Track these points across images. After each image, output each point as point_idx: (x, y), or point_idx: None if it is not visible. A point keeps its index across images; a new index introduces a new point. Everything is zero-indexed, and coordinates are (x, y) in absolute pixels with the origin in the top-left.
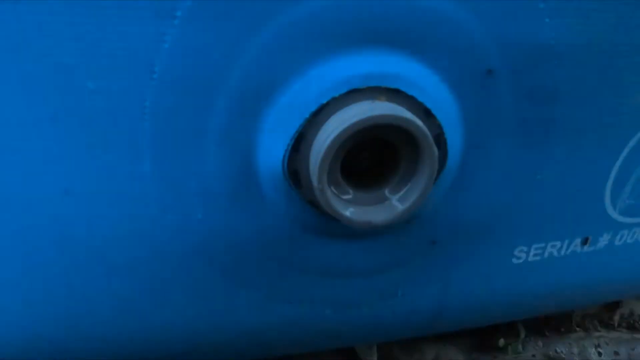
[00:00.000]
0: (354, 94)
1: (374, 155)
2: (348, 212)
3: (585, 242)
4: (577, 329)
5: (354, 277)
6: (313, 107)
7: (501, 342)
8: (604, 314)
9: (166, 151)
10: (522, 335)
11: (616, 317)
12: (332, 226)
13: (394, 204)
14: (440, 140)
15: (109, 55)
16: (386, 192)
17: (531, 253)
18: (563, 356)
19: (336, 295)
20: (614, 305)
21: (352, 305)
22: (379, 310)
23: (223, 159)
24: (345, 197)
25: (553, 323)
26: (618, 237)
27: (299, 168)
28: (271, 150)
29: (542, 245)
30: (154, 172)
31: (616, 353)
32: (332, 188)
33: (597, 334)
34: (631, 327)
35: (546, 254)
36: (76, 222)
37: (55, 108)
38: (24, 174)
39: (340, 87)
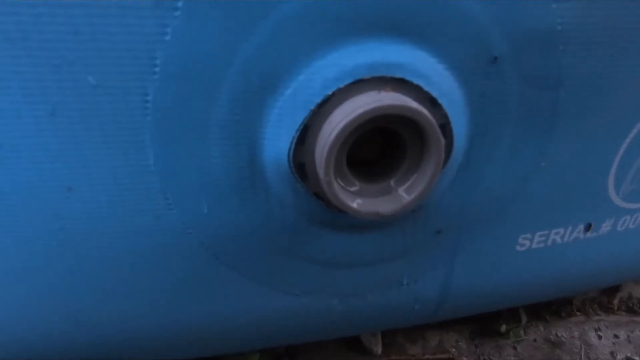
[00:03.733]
0: (359, 85)
1: (380, 147)
2: (355, 203)
3: (588, 228)
4: (578, 313)
5: (360, 267)
6: (318, 99)
7: (503, 327)
8: (604, 298)
9: (170, 145)
10: (524, 321)
11: (615, 301)
12: (338, 218)
13: (401, 194)
14: (446, 129)
15: (109, 49)
16: (392, 183)
17: (535, 240)
18: (564, 340)
19: (342, 286)
20: (614, 289)
21: (358, 294)
22: (385, 299)
23: (227, 152)
24: (352, 188)
25: (554, 307)
26: (620, 222)
27: (305, 160)
28: (276, 142)
29: (546, 232)
30: (158, 166)
31: (616, 336)
32: (339, 180)
33: (597, 317)
34: (630, 311)
35: (549, 241)
36: (80, 219)
37: (54, 104)
38: (24, 171)
39: (345, 78)
